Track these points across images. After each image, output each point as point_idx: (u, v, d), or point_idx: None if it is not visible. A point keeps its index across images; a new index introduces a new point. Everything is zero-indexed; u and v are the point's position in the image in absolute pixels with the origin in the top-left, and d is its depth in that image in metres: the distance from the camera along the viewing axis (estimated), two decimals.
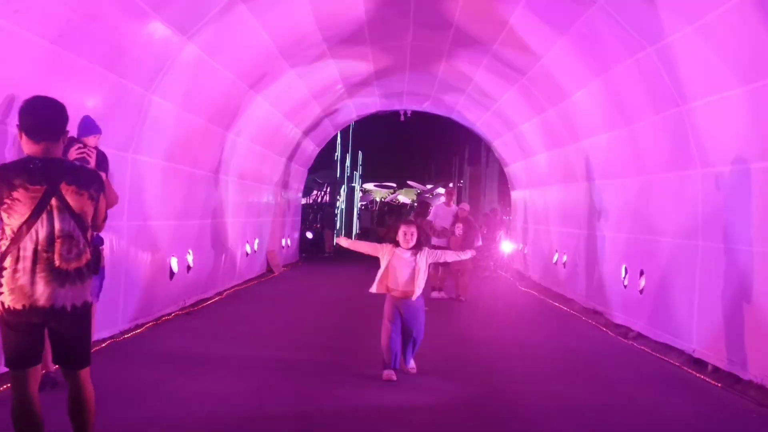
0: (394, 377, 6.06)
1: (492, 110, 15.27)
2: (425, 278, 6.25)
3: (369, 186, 43.28)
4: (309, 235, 21.06)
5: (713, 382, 6.46)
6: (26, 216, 3.34)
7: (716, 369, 6.71)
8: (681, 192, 7.79)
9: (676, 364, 7.18)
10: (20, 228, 3.34)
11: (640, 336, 8.50)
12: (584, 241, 11.64)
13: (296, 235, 18.74)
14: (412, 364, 6.38)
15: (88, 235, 3.58)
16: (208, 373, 6.08)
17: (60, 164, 3.51)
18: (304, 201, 22.89)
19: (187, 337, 7.59)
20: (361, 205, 33.84)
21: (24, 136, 3.46)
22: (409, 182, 43.63)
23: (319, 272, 16.21)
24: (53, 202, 3.40)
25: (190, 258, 9.55)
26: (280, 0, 8.55)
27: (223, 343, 7.38)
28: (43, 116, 3.48)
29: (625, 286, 9.41)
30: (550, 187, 14.29)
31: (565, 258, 12.91)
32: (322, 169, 26.77)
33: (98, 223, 3.73)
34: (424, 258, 6.23)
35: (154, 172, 8.09)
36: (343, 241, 6.49)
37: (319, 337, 8.05)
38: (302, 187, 19.30)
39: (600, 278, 10.59)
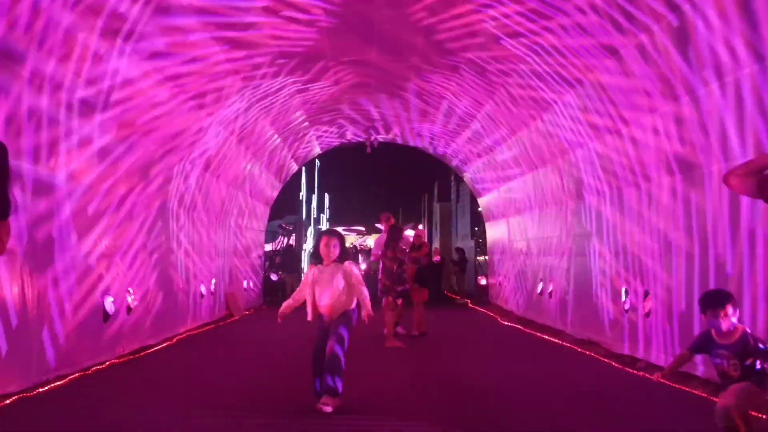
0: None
1: (464, 135, 14.44)
2: (359, 293, 5.44)
3: (339, 229, 42.28)
4: (273, 277, 19.82)
5: None
6: None
7: None
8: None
9: (699, 393, 6.11)
10: None
11: (650, 366, 7.42)
12: (573, 267, 10.66)
13: (259, 277, 17.48)
14: (324, 399, 5.25)
15: None
16: None
17: None
18: (269, 247, 21.73)
19: (119, 390, 6.27)
20: None
21: None
22: (378, 225, 42.71)
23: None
24: None
25: (130, 298, 8.26)
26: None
27: (163, 397, 6.09)
28: None
29: (627, 311, 8.38)
30: (530, 213, 13.37)
31: (551, 287, 11.89)
32: (287, 210, 25.71)
33: None
34: (348, 272, 5.42)
35: (85, 191, 6.91)
36: (283, 309, 5.54)
37: (275, 382, 6.77)
38: (264, 226, 18.12)
39: (594, 304, 9.57)
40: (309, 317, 5.49)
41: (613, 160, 8.62)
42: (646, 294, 7.81)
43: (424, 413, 5.49)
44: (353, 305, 5.50)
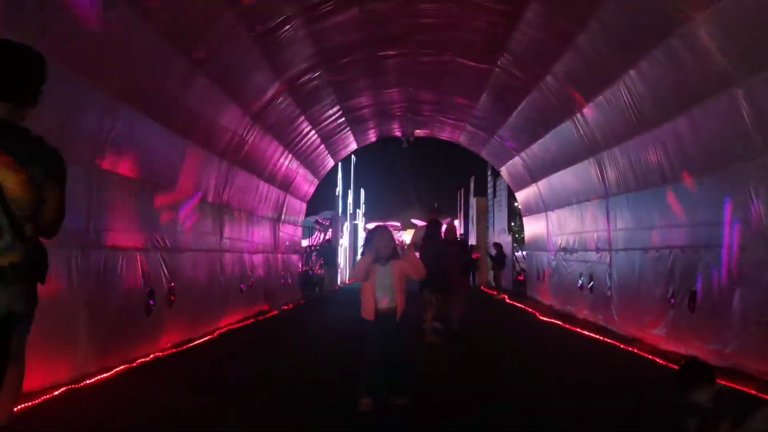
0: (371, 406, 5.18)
1: (501, 131, 14.30)
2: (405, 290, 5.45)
3: (372, 226, 42.25)
4: (311, 273, 19.96)
5: None
6: None
7: None
8: None
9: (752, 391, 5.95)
10: None
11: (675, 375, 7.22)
12: (615, 262, 10.48)
13: (297, 272, 17.59)
14: (402, 398, 5.31)
15: (28, 229, 2.64)
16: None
17: (5, 128, 2.58)
18: (306, 242, 21.86)
19: (165, 384, 6.37)
20: None
21: None
22: (413, 221, 42.57)
23: (320, 311, 14.93)
24: None
25: (172, 292, 8.37)
26: None
27: (208, 394, 6.16)
28: (7, 68, 2.64)
29: (672, 306, 8.20)
30: (570, 207, 13.19)
31: (591, 283, 11.72)
32: (323, 206, 25.80)
33: (45, 220, 2.72)
34: (400, 265, 5.44)
35: (128, 187, 7.03)
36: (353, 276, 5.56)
37: (317, 377, 6.81)
38: (301, 222, 18.23)
39: (636, 300, 9.39)
40: (370, 316, 5.37)
41: (657, 154, 8.44)
42: (692, 290, 7.63)
43: (467, 411, 5.45)
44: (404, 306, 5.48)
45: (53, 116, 5.09)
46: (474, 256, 10.95)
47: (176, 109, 7.96)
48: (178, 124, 8.14)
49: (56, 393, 5.47)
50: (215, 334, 9.73)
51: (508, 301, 17.12)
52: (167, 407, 5.26)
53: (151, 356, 7.40)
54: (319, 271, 20.89)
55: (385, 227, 5.89)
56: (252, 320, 11.83)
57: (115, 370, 6.49)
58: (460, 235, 11.40)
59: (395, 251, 5.52)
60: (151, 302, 7.64)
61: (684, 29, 6.49)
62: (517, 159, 15.53)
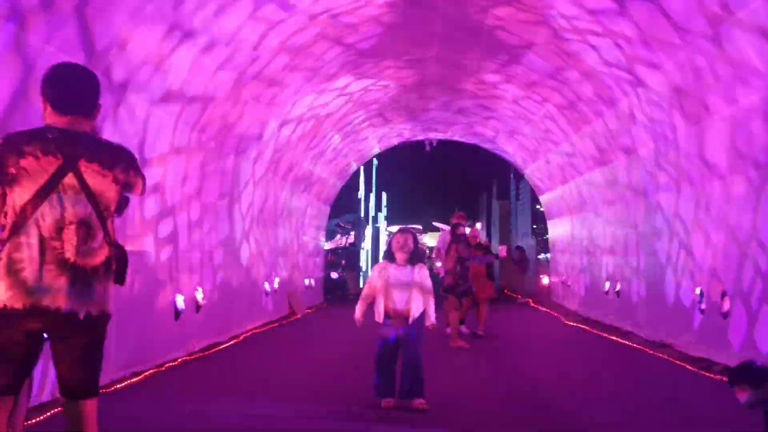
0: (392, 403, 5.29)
1: (525, 131, 14.20)
2: (428, 301, 5.35)
3: (394, 229, 42.21)
4: (334, 275, 19.98)
5: None
6: (33, 193, 2.76)
7: None
8: None
9: None
10: (23, 208, 2.76)
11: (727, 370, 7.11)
12: (642, 266, 10.35)
13: (320, 275, 17.63)
14: (420, 400, 5.31)
15: (110, 226, 2.94)
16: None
17: (83, 138, 2.91)
18: (328, 246, 21.92)
19: (193, 387, 6.41)
20: None
21: (48, 108, 2.94)
22: (435, 223, 42.50)
23: (343, 315, 14.79)
24: (67, 180, 2.82)
25: (199, 296, 8.43)
26: None
27: (234, 395, 6.19)
28: (72, 89, 2.97)
29: (703, 311, 8.07)
30: (595, 210, 13.05)
31: (618, 287, 11.58)
32: (345, 209, 25.87)
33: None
34: (424, 276, 5.37)
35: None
36: (359, 315, 5.50)
37: (346, 383, 6.79)
38: (324, 225, 18.27)
39: (665, 305, 9.26)
40: (380, 318, 5.36)
41: (688, 154, 8.33)
42: (723, 294, 7.51)
43: (495, 419, 5.40)
44: (420, 312, 5.37)
45: None
46: (501, 255, 11.11)
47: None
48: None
49: None
50: (240, 338, 9.79)
51: (532, 305, 17.01)
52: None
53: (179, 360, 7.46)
54: (341, 274, 20.92)
55: (406, 229, 5.88)
56: (276, 324, 11.88)
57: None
58: (485, 240, 11.42)
59: (417, 255, 5.44)
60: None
61: None
62: (541, 160, 15.42)
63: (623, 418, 5.47)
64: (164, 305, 7.41)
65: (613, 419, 5.43)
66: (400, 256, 5.37)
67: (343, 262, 21.82)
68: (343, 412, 5.34)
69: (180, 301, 7.75)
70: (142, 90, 6.36)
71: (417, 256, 5.42)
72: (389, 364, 5.33)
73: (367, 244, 27.21)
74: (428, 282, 5.40)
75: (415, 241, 5.51)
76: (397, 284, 5.31)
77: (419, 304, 5.29)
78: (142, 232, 6.84)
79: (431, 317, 5.35)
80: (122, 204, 3.08)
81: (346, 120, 13.52)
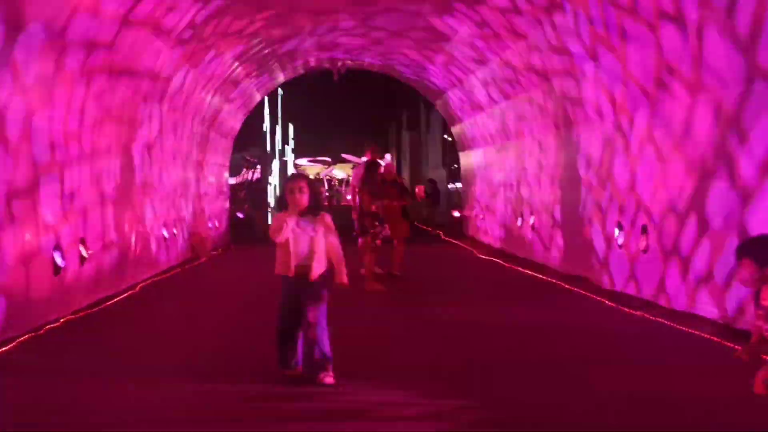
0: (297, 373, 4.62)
1: (439, 59, 13.60)
2: (336, 255, 4.65)
3: (302, 161, 41.15)
4: (240, 215, 19.11)
5: None
6: None
7: None
8: None
9: (707, 336, 5.72)
10: None
11: (648, 305, 7.03)
12: (559, 200, 10.18)
13: (225, 216, 16.73)
14: (323, 374, 4.51)
15: None
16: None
17: None
18: (233, 181, 20.87)
19: (76, 350, 5.64)
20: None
21: None
22: (344, 155, 41.74)
23: (250, 256, 13.97)
24: None
25: (83, 248, 7.50)
26: None
27: (129, 355, 5.48)
28: None
29: (620, 246, 7.94)
30: (511, 141, 12.77)
31: (533, 220, 11.44)
32: (250, 143, 24.69)
33: None
34: (329, 228, 4.62)
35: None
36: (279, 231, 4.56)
37: (248, 336, 6.16)
38: (228, 163, 17.25)
39: (582, 239, 9.13)
40: (291, 272, 4.54)
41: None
42: (643, 228, 7.35)
43: (419, 369, 4.98)
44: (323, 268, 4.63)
45: None
46: (418, 192, 10.94)
47: None
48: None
49: None
50: (137, 288, 8.96)
51: (443, 237, 16.88)
52: None
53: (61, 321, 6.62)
54: (248, 211, 20.05)
55: (301, 174, 5.05)
56: (178, 270, 11.07)
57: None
58: (400, 178, 11.03)
59: (316, 203, 4.63)
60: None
61: None
62: (456, 90, 14.90)
63: (540, 356, 5.25)
64: (43, 259, 6.49)
65: (531, 357, 5.24)
66: (295, 205, 4.54)
67: (248, 199, 20.85)
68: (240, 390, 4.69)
69: (57, 256, 6.81)
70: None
71: (317, 204, 4.64)
72: (291, 329, 4.63)
73: (274, 179, 26.27)
74: (334, 235, 4.68)
75: (312, 186, 4.67)
76: (296, 239, 4.55)
77: (322, 261, 4.60)
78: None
79: (342, 275, 4.67)
80: None
81: (247, 47, 12.47)
